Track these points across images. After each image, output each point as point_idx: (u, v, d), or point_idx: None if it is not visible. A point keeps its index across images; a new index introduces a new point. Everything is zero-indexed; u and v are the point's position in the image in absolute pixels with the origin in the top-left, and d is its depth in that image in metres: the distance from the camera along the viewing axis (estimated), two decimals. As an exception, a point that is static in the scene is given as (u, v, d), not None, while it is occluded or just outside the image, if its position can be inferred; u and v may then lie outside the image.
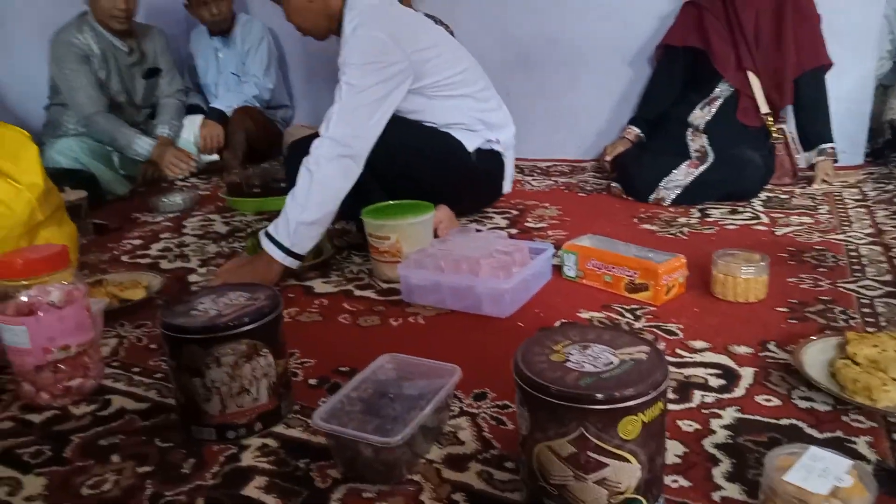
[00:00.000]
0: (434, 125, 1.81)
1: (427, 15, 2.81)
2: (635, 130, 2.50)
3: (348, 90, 1.54)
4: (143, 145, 2.49)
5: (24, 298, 1.04)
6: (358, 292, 1.52)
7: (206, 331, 0.92)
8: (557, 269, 1.54)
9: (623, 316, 1.32)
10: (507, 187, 2.01)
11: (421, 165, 1.71)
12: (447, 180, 1.79)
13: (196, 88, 3.11)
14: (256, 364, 0.96)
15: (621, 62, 2.75)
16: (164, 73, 2.75)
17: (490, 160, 1.91)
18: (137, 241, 2.01)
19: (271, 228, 1.52)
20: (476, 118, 1.84)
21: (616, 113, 2.79)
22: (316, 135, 1.56)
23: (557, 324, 1.30)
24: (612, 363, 0.72)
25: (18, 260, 1.03)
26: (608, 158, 2.44)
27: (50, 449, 0.97)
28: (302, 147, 1.59)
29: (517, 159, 2.91)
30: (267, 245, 1.50)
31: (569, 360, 0.73)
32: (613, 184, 2.26)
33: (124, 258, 1.85)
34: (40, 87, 2.69)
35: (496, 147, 1.90)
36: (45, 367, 1.06)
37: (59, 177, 1.99)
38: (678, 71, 2.44)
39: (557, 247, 1.61)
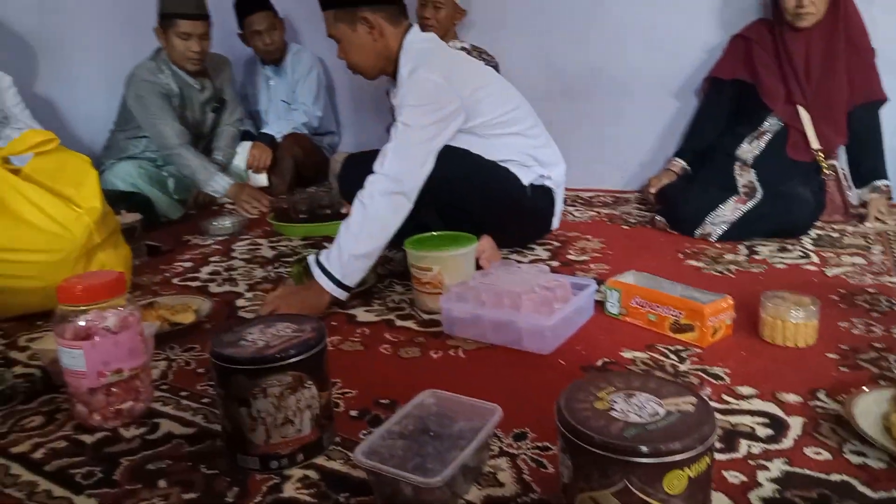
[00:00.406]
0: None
1: (473, 46, 2.86)
2: (681, 163, 2.48)
3: (403, 129, 1.59)
4: (221, 183, 2.56)
5: (82, 323, 1.08)
6: (399, 322, 1.54)
7: (253, 362, 0.95)
8: (600, 304, 1.53)
9: (667, 357, 1.30)
10: (555, 224, 2.02)
11: (475, 196, 1.73)
12: (500, 213, 1.81)
13: (247, 115, 3.21)
14: (301, 396, 0.98)
15: (667, 94, 2.73)
16: (228, 103, 2.86)
17: (541, 196, 1.92)
18: (188, 264, 2.07)
19: (322, 257, 1.55)
20: (527, 154, 1.87)
21: (660, 144, 2.77)
22: (370, 154, 1.60)
23: (599, 363, 1.29)
24: (657, 414, 0.71)
25: (78, 286, 1.07)
26: (652, 190, 2.42)
27: (101, 471, 1.00)
28: (356, 162, 1.64)
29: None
30: (317, 275, 1.53)
31: (613, 409, 0.73)
32: (658, 217, 2.24)
33: (175, 280, 1.91)
34: (98, 111, 2.81)
35: (547, 183, 1.91)
36: (98, 389, 1.10)
37: (115, 199, 2.07)
38: (726, 104, 2.41)
39: (600, 281, 1.60)
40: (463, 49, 2.89)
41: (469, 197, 1.72)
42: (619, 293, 1.48)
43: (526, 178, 1.86)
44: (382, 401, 1.17)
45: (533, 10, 2.94)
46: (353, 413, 1.14)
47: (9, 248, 1.52)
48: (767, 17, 2.34)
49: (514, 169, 1.84)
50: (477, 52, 2.88)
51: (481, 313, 1.37)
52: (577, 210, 2.57)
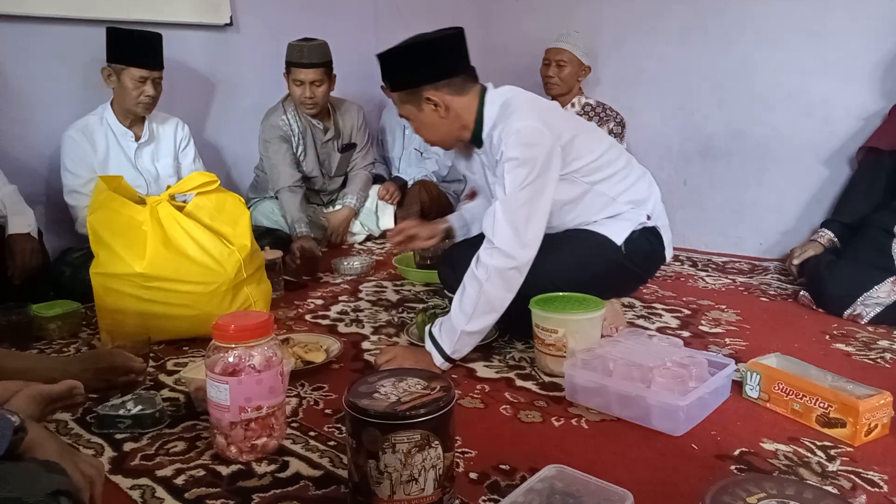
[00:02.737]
0: (585, 224, 1.79)
1: (598, 102, 2.85)
2: (829, 234, 2.31)
3: (510, 184, 1.53)
4: (300, 231, 2.66)
5: (231, 359, 1.16)
6: (519, 382, 1.52)
7: (386, 416, 0.97)
8: (737, 384, 1.44)
9: (814, 454, 1.19)
10: (668, 256, 1.92)
11: (573, 283, 1.65)
12: (603, 283, 1.75)
13: (381, 160, 3.37)
14: (427, 455, 0.99)
15: (815, 160, 2.57)
16: (359, 147, 3.02)
17: (646, 239, 1.83)
18: (319, 301, 2.17)
19: (436, 329, 1.57)
20: (626, 200, 1.80)
21: (805, 213, 2.60)
22: (474, 241, 1.57)
23: (737, 452, 1.20)
24: (818, 534, 0.65)
25: (232, 325, 1.15)
26: (796, 262, 2.26)
27: (235, 504, 1.06)
28: (455, 261, 1.70)
29: (688, 249, 2.82)
30: (429, 345, 1.56)
31: (766, 521, 0.67)
32: (802, 292, 2.08)
33: (308, 317, 2.01)
34: (250, 150, 3.06)
35: (648, 224, 1.84)
36: (238, 424, 1.16)
37: (259, 235, 2.23)
38: (883, 176, 2.24)
39: (736, 359, 1.50)
40: (587, 105, 2.89)
41: (566, 287, 1.64)
42: (760, 376, 1.38)
43: (623, 233, 1.78)
44: (502, 466, 1.16)
45: (672, 69, 2.89)
46: (473, 475, 1.13)
47: (173, 278, 1.67)
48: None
49: (609, 227, 1.78)
50: (601, 107, 2.87)
51: (608, 384, 1.33)
52: (711, 276, 2.45)
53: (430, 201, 3.12)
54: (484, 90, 1.69)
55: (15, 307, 1.78)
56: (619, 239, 1.77)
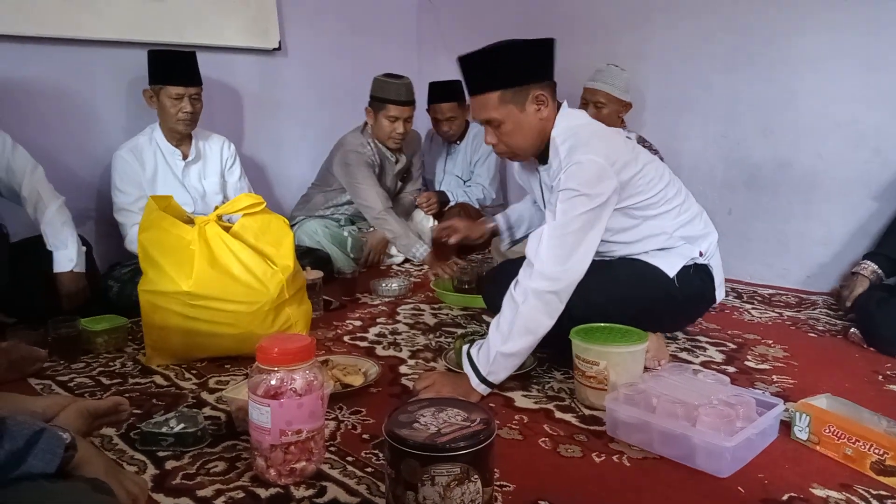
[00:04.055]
0: (634, 254, 1.77)
1: (640, 137, 2.81)
2: (872, 266, 2.21)
3: (562, 217, 1.53)
4: (420, 250, 2.72)
5: (273, 382, 1.17)
6: (559, 414, 1.50)
7: (426, 448, 0.96)
8: (785, 424, 1.39)
9: (868, 503, 1.14)
10: (719, 296, 1.88)
11: (620, 314, 1.63)
12: (652, 314, 1.73)
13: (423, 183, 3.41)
14: (466, 489, 0.98)
15: (866, 192, 2.49)
16: (413, 175, 3.07)
17: (698, 276, 1.80)
18: (357, 322, 2.18)
19: (474, 350, 1.56)
20: (679, 236, 1.77)
21: (853, 246, 2.52)
22: (515, 262, 1.56)
23: (785, 497, 1.16)
24: None
25: (275, 349, 1.16)
26: (848, 303, 2.16)
27: (273, 528, 1.06)
28: (500, 279, 1.65)
29: (733, 280, 2.76)
30: (467, 367, 1.55)
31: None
32: (853, 329, 2.01)
33: (346, 338, 2.02)
34: (294, 171, 3.11)
35: (700, 261, 1.80)
36: (278, 447, 1.17)
37: (301, 254, 2.26)
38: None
39: (784, 397, 1.46)
40: (627, 139, 2.83)
41: (614, 315, 1.62)
42: (810, 418, 1.33)
43: (675, 266, 1.75)
44: (541, 502, 1.14)
45: (716, 97, 2.85)
46: (512, 510, 1.12)
47: (218, 297, 1.70)
48: None
49: (661, 259, 1.75)
50: (642, 141, 2.81)
51: (651, 421, 1.30)
52: (756, 308, 2.39)
53: (469, 224, 3.13)
54: (560, 106, 1.69)
55: (64, 321, 1.84)
56: (671, 271, 1.74)
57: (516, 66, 1.59)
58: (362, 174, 2.76)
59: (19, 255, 2.03)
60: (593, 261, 1.57)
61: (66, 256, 2.06)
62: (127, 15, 2.49)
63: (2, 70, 2.28)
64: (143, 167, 2.40)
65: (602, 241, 1.61)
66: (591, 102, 2.75)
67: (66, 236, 2.08)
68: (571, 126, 1.65)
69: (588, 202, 1.53)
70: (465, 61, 1.63)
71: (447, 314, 2.29)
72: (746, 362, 1.83)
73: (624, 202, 1.66)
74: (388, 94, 2.71)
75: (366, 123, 2.85)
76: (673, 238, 1.77)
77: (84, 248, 2.12)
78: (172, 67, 2.35)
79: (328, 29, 3.17)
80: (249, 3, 2.82)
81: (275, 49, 2.95)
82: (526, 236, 2.01)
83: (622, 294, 1.67)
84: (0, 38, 2.26)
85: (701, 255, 1.79)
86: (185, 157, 2.48)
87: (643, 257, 1.77)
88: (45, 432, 0.85)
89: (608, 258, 1.78)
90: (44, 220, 2.07)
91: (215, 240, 1.75)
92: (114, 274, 2.26)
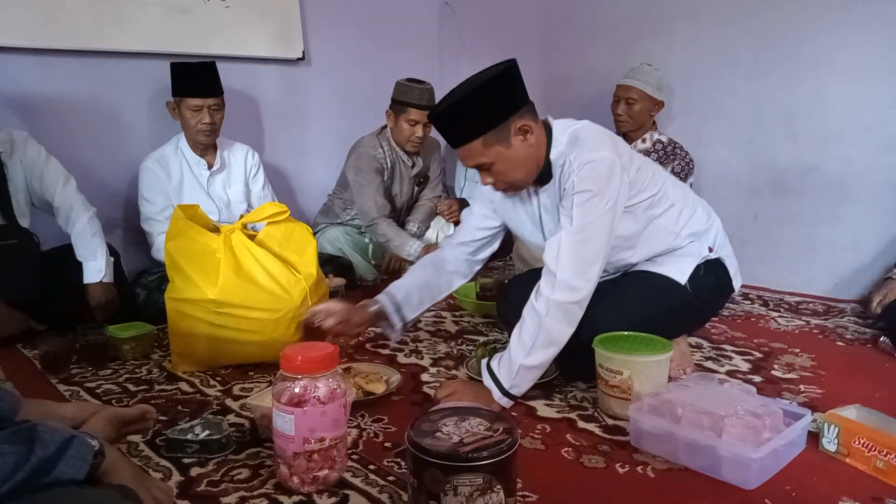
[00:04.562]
0: (646, 262, 1.75)
1: (670, 140, 2.78)
2: (908, 272, 2.18)
3: (580, 217, 1.50)
4: (413, 247, 2.73)
5: (297, 389, 1.18)
6: (581, 423, 1.49)
7: (448, 458, 0.96)
8: (813, 435, 1.37)
9: (901, 517, 1.12)
10: (737, 285, 1.85)
11: (638, 329, 1.60)
12: (670, 324, 1.71)
13: (444, 189, 3.41)
14: (489, 499, 0.97)
15: (895, 198, 2.45)
16: (431, 180, 3.07)
17: (710, 273, 1.77)
18: (379, 330, 2.18)
19: (494, 363, 1.55)
20: (687, 234, 1.74)
21: (883, 252, 2.48)
22: (534, 274, 1.54)
23: (814, 510, 1.14)
24: None
25: (299, 356, 1.17)
26: (878, 310, 2.11)
27: (296, 536, 1.06)
28: (516, 291, 1.62)
29: (758, 287, 2.72)
30: (486, 379, 1.54)
31: None
32: (883, 338, 1.97)
33: (368, 346, 2.03)
34: (316, 178, 3.14)
35: (711, 256, 1.77)
36: (301, 454, 1.18)
37: (323, 262, 2.28)
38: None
39: (812, 407, 1.43)
40: (658, 142, 2.81)
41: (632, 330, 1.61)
42: (838, 429, 1.31)
43: (686, 271, 1.72)
44: (565, 512, 1.13)
45: (742, 102, 2.83)
46: (535, 521, 1.11)
47: (243, 305, 1.73)
48: None
49: (671, 266, 1.72)
50: (672, 145, 2.78)
51: (675, 431, 1.28)
52: (783, 317, 2.35)
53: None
54: (546, 120, 1.65)
55: (92, 328, 1.87)
56: (682, 278, 1.72)
57: (487, 109, 1.50)
58: (367, 179, 2.76)
59: (50, 263, 2.08)
60: (599, 284, 1.55)
61: (95, 268, 2.10)
62: (154, 27, 2.53)
63: (35, 82, 2.34)
64: (170, 177, 2.44)
65: (613, 249, 1.59)
66: (623, 99, 2.74)
67: (96, 247, 2.12)
68: (570, 132, 1.61)
69: (602, 201, 1.52)
70: (437, 120, 1.56)
71: (468, 321, 2.29)
72: (773, 371, 1.81)
73: (631, 199, 1.64)
74: (410, 97, 2.72)
75: (384, 126, 2.86)
76: (680, 237, 1.74)
77: (112, 259, 2.16)
78: (191, 79, 2.38)
79: (351, 38, 3.19)
80: (274, 15, 2.86)
81: (298, 59, 2.98)
82: (420, 313, 1.87)
83: (637, 312, 1.64)
84: (33, 51, 2.31)
85: (710, 250, 1.77)
86: (209, 166, 2.51)
87: (651, 266, 1.74)
88: (76, 439, 0.87)
89: (614, 275, 1.77)
90: (74, 230, 2.12)
91: (240, 248, 1.77)
92: (141, 281, 2.30)
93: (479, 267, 1.93)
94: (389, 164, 2.85)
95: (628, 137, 2.79)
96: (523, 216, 1.77)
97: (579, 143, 1.58)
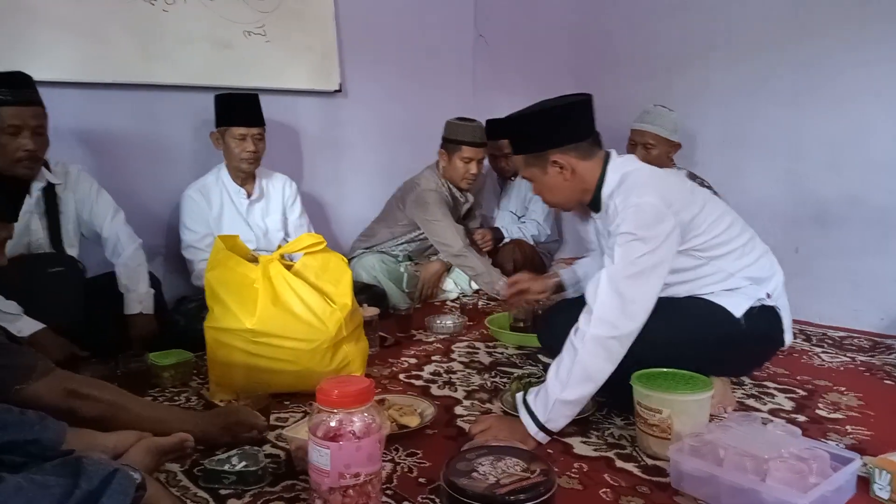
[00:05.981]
0: (698, 295, 1.71)
1: (690, 174, 2.75)
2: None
3: (620, 259, 1.51)
4: (501, 283, 2.70)
5: (333, 423, 1.18)
6: (620, 462, 1.46)
7: (485, 499, 0.95)
8: (862, 479, 1.31)
9: (961, 573, 1.06)
10: (788, 339, 1.80)
11: (684, 356, 1.58)
12: (717, 356, 1.67)
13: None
14: (526, 542, 0.96)
15: (944, 229, 2.38)
16: (473, 211, 3.12)
17: (764, 318, 1.73)
18: (413, 360, 2.19)
19: (530, 397, 1.53)
20: (743, 276, 1.71)
21: (933, 286, 2.39)
22: (575, 302, 1.53)
23: (866, 562, 1.09)
24: None
25: (335, 391, 1.17)
26: None
27: (331, 574, 1.06)
28: (554, 321, 1.60)
29: (801, 322, 2.64)
30: (523, 415, 1.52)
31: None
32: (934, 377, 1.90)
33: (402, 376, 2.03)
34: (351, 208, 3.18)
35: (768, 302, 1.73)
36: (336, 489, 1.17)
37: (358, 290, 2.29)
38: None
39: (860, 450, 1.38)
40: (679, 178, 2.78)
41: (675, 358, 1.57)
42: (891, 476, 1.26)
43: (742, 306, 1.68)
44: (603, 557, 1.10)
45: (781, 132, 2.78)
46: (572, 565, 1.09)
47: (280, 335, 1.75)
48: None
49: (726, 299, 1.69)
50: (692, 178, 2.74)
51: (718, 474, 1.25)
52: (827, 353, 2.28)
53: (523, 260, 3.12)
54: (608, 156, 1.69)
55: (133, 356, 1.91)
56: (737, 311, 1.68)
57: (529, 136, 1.67)
58: (441, 212, 2.79)
59: (93, 291, 2.14)
60: (659, 307, 1.53)
61: (136, 299, 2.15)
62: (198, 62, 2.62)
63: (85, 115, 2.43)
64: (210, 206, 2.50)
65: (665, 283, 1.57)
66: (640, 144, 2.72)
67: (138, 279, 2.18)
68: (623, 172, 1.65)
69: (644, 246, 1.51)
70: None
71: (502, 353, 2.28)
72: (818, 411, 1.75)
73: (687, 243, 1.63)
74: (463, 136, 2.76)
75: (437, 162, 2.90)
76: (737, 278, 1.71)
77: (153, 291, 2.21)
78: (236, 109, 2.46)
79: (386, 71, 3.26)
80: (315, 49, 2.93)
81: (335, 91, 3.04)
82: None
83: (686, 335, 1.62)
84: (84, 84, 2.41)
85: (768, 296, 1.73)
86: (249, 195, 2.57)
87: (708, 297, 1.72)
88: (118, 473, 0.88)
89: (671, 297, 1.74)
90: (119, 261, 2.18)
91: (278, 278, 1.79)
92: (181, 309, 2.34)
93: None
94: (451, 201, 2.90)
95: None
96: (591, 232, 1.87)
97: (626, 185, 1.61)
